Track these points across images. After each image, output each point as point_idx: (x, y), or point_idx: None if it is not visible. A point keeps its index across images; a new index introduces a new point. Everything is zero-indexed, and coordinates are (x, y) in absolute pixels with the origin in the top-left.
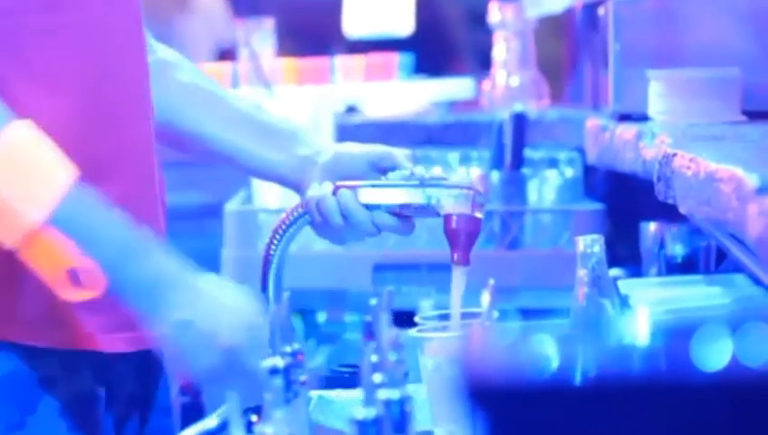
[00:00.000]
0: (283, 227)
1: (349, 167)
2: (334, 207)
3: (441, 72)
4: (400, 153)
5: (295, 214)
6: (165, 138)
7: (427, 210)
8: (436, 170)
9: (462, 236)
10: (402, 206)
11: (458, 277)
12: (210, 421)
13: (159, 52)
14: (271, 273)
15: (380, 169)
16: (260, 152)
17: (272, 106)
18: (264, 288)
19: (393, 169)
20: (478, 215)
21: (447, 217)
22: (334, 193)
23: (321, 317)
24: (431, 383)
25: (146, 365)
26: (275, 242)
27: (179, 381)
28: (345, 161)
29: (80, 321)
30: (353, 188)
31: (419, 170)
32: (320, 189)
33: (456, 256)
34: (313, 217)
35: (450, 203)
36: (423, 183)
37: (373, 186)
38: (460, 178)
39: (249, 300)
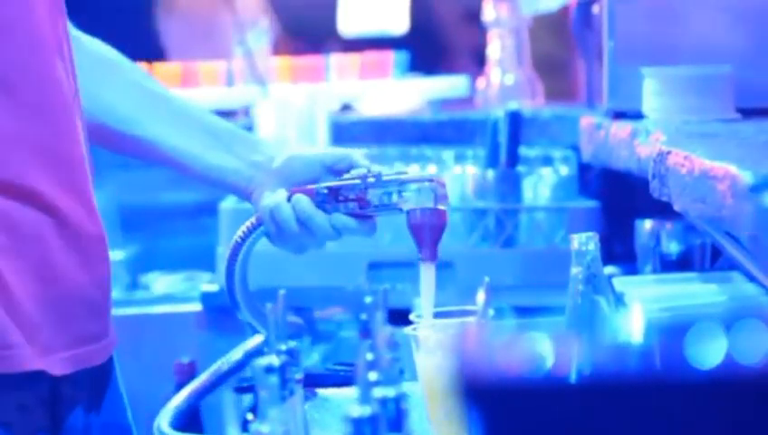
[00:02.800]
0: (238, 241)
1: (302, 171)
2: (289, 214)
3: (436, 70)
4: (357, 153)
5: (249, 226)
6: (103, 138)
7: (389, 207)
8: (396, 168)
9: (427, 231)
10: (361, 205)
11: (427, 274)
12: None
13: (96, 51)
14: (236, 288)
15: (337, 172)
16: (210, 158)
17: (267, 104)
18: (234, 303)
19: (349, 170)
20: (442, 207)
21: (410, 213)
22: (288, 199)
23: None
24: (426, 381)
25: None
26: (233, 258)
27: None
28: (298, 166)
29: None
30: (308, 192)
31: (377, 169)
32: (273, 198)
33: (422, 252)
34: (268, 228)
35: (412, 198)
36: (380, 179)
37: (329, 188)
38: (420, 173)
39: None
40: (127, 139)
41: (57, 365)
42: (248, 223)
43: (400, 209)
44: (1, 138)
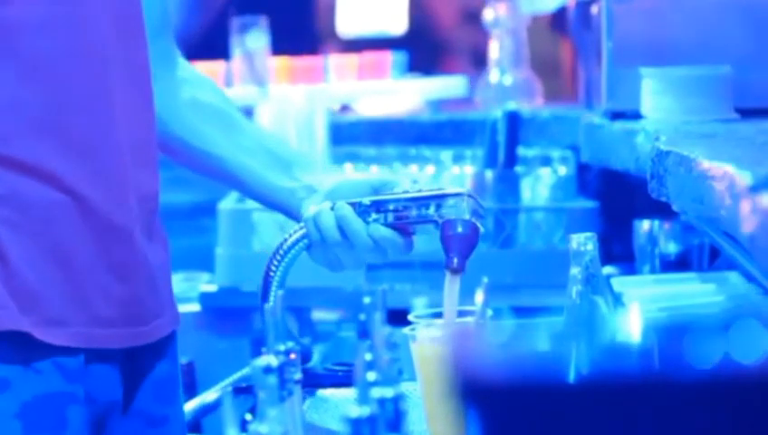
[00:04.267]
0: (283, 250)
1: (351, 193)
2: (332, 221)
3: (434, 70)
4: (404, 179)
5: (296, 236)
6: (172, 151)
7: (426, 218)
8: (434, 183)
9: (457, 242)
10: (399, 217)
11: (453, 285)
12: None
13: (182, 70)
14: (272, 296)
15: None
16: (270, 178)
17: (266, 104)
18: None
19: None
20: (477, 223)
21: (445, 223)
22: (332, 208)
23: (315, 315)
24: (425, 381)
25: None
26: (274, 266)
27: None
28: (347, 188)
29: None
30: (351, 203)
31: (419, 186)
32: (318, 206)
33: (453, 261)
34: (311, 236)
35: (449, 212)
36: (419, 193)
37: (370, 200)
38: (457, 189)
39: None
40: (195, 154)
41: (60, 336)
42: (295, 232)
43: (436, 222)
44: (29, 121)
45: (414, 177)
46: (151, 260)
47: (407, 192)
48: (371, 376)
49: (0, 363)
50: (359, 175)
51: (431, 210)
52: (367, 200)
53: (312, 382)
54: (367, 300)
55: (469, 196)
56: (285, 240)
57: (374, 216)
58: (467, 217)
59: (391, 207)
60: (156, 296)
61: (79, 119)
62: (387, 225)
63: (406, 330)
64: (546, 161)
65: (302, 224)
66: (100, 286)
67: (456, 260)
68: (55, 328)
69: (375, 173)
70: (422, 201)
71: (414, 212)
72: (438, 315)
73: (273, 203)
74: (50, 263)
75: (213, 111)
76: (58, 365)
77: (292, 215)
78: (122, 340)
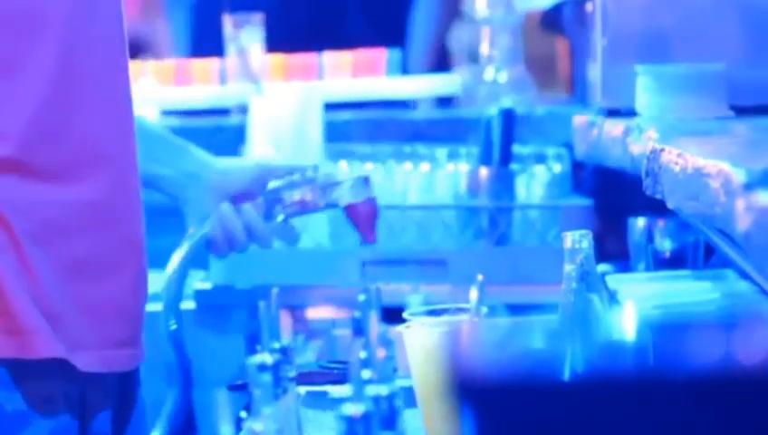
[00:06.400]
0: (187, 251)
1: (236, 185)
2: (239, 225)
3: (429, 67)
4: (284, 160)
5: (196, 239)
6: None
7: (328, 205)
8: (322, 170)
9: (368, 219)
10: (303, 208)
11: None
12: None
13: None
14: (175, 290)
15: (266, 183)
16: (145, 165)
17: (260, 102)
18: (175, 309)
19: (282, 178)
20: (373, 197)
21: (351, 207)
22: (238, 211)
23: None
24: (420, 379)
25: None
26: (177, 266)
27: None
28: (232, 180)
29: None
30: (253, 203)
31: (308, 172)
32: (223, 210)
33: (364, 237)
34: (217, 243)
35: (346, 194)
36: (315, 181)
37: (269, 198)
38: (347, 172)
39: None
40: None
41: (83, 361)
42: (197, 232)
43: (336, 205)
44: (46, 127)
45: (294, 161)
46: None
47: (301, 176)
48: (366, 374)
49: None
50: (237, 162)
51: (334, 196)
52: (268, 196)
53: (307, 380)
54: (362, 298)
55: (358, 177)
56: (188, 242)
57: (279, 209)
58: (366, 196)
59: (296, 197)
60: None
61: (95, 127)
62: (293, 214)
63: (401, 328)
64: (541, 159)
65: (201, 223)
66: (118, 303)
67: (369, 235)
68: (80, 352)
69: (252, 159)
70: (323, 189)
71: (320, 202)
72: (434, 313)
73: (155, 189)
74: (71, 279)
75: None
76: (67, 396)
77: (172, 200)
78: (132, 361)
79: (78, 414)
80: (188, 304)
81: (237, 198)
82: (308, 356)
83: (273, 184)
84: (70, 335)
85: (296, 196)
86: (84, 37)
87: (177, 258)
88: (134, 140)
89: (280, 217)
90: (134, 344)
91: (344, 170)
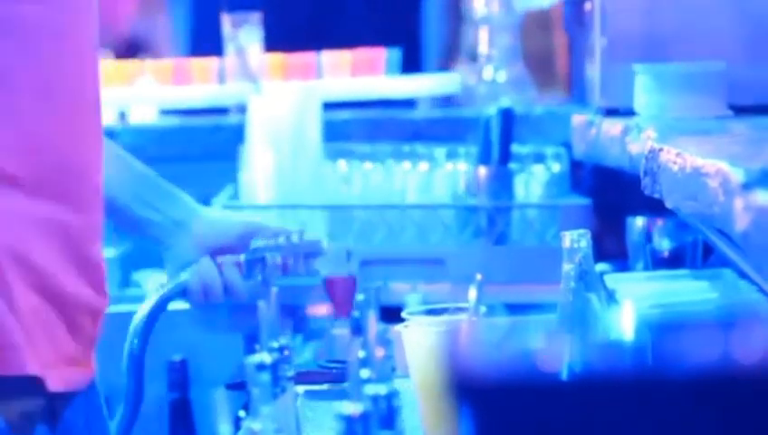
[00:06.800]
0: (160, 301)
1: (219, 239)
2: (219, 283)
3: (428, 67)
4: (271, 222)
5: (173, 286)
6: None
7: (308, 274)
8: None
9: (346, 293)
10: (283, 273)
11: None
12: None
13: None
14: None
15: (249, 242)
16: (135, 209)
17: (259, 101)
18: (141, 349)
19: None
20: (352, 271)
21: (330, 280)
22: (219, 269)
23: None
24: (418, 378)
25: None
26: (148, 311)
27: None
28: (219, 231)
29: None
30: (235, 262)
31: (294, 237)
32: (203, 266)
33: (339, 311)
34: (194, 294)
35: (328, 266)
36: (298, 248)
37: (251, 258)
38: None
39: None
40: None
41: (54, 379)
42: (167, 285)
43: (317, 274)
44: (22, 138)
45: (280, 226)
46: None
47: (286, 238)
48: (365, 373)
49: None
50: (224, 217)
51: (316, 266)
52: (249, 257)
53: (306, 380)
54: (360, 297)
55: (342, 249)
56: (163, 287)
57: (259, 270)
58: (347, 271)
59: (278, 261)
60: None
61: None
62: (272, 277)
63: (399, 327)
64: (539, 158)
65: (182, 275)
66: (74, 321)
67: (344, 311)
68: (48, 370)
69: (245, 217)
70: (306, 256)
71: (301, 269)
72: (432, 312)
73: (136, 232)
74: (41, 298)
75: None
76: (42, 411)
77: (157, 247)
78: (84, 379)
79: (52, 426)
80: (187, 304)
81: (219, 252)
82: (306, 356)
83: (256, 243)
84: (41, 353)
85: (278, 259)
86: (62, 49)
87: (149, 303)
88: (101, 158)
89: (259, 278)
90: (86, 363)
91: (328, 242)
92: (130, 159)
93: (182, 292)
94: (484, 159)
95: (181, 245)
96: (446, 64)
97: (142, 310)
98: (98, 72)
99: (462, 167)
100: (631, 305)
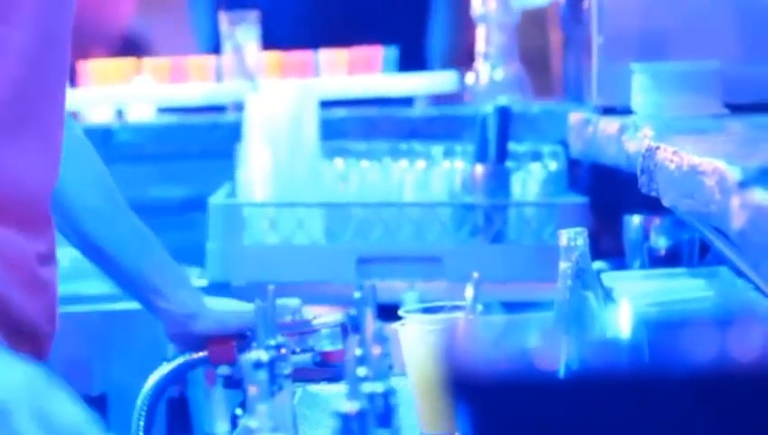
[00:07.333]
0: (166, 372)
1: (229, 330)
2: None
3: (425, 65)
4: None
5: (179, 362)
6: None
7: (303, 351)
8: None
9: (336, 371)
10: (281, 349)
11: None
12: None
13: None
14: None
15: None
16: (147, 295)
17: (256, 99)
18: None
19: None
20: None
21: (326, 354)
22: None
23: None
24: (416, 376)
25: None
26: (152, 386)
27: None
28: (221, 326)
29: None
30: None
31: (287, 317)
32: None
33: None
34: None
35: (323, 342)
36: (293, 328)
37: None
38: (326, 317)
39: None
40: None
41: None
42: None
43: (312, 350)
44: None
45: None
46: None
47: (282, 320)
48: (362, 371)
49: None
50: (224, 306)
51: (311, 343)
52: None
53: (303, 377)
54: (357, 295)
55: (337, 325)
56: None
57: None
58: (341, 345)
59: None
60: None
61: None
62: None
63: (396, 325)
64: (536, 156)
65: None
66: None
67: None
68: None
69: (239, 304)
70: (301, 335)
71: (296, 348)
72: (429, 310)
73: (154, 315)
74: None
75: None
76: None
77: (169, 331)
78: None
79: None
80: None
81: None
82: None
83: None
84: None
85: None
86: (26, 75)
87: (155, 378)
88: (54, 183)
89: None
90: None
91: (323, 318)
92: (148, 232)
93: (187, 366)
94: (481, 157)
95: (188, 335)
96: (452, 64)
97: (146, 388)
98: (64, 98)
99: (459, 165)
100: (628, 303)
